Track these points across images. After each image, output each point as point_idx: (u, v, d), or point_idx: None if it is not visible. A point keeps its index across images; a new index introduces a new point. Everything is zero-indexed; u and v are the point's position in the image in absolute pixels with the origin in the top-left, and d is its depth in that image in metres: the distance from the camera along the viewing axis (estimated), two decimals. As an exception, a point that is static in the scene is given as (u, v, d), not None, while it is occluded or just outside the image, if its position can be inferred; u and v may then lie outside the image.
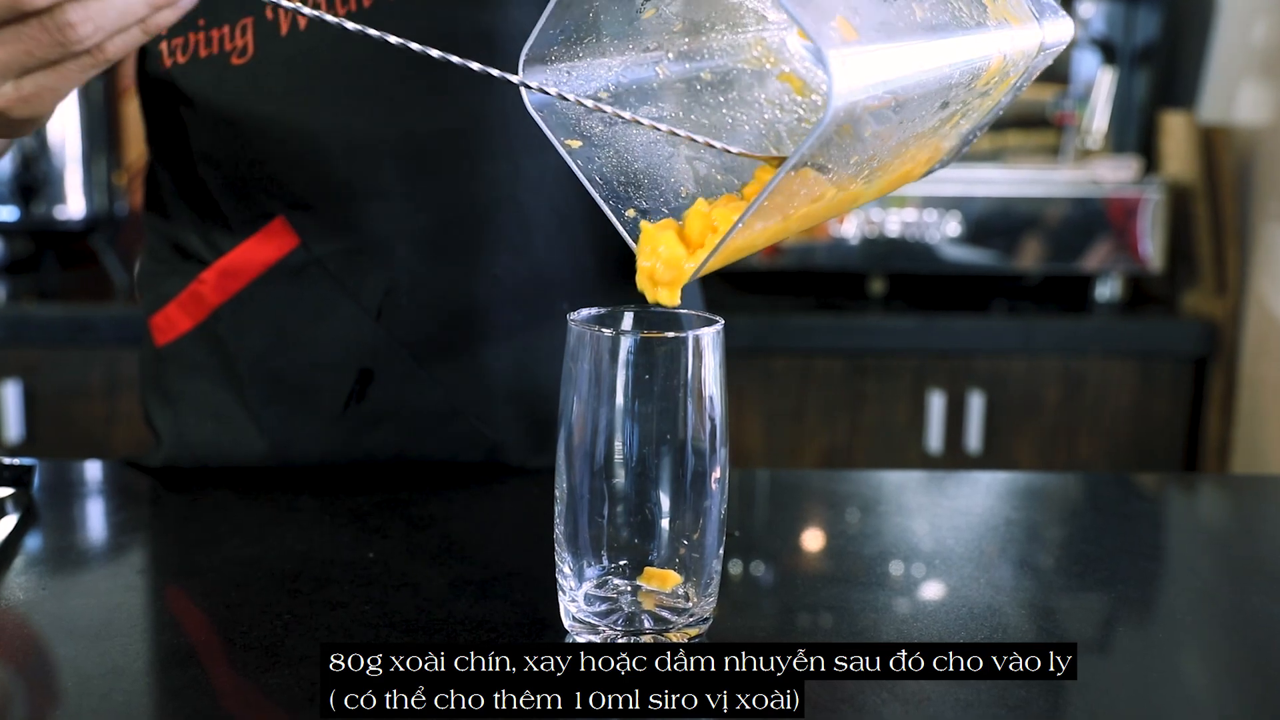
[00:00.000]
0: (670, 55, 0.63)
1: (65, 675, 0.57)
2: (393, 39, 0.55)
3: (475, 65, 0.55)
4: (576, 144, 0.60)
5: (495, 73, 0.55)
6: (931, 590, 0.69)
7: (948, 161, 0.67)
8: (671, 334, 0.57)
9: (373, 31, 0.55)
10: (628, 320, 0.62)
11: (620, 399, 0.57)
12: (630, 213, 0.60)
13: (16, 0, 0.51)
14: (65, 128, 1.96)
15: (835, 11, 0.49)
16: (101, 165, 2.01)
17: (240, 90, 0.79)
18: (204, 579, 0.68)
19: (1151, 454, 1.97)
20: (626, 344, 0.57)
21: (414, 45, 0.55)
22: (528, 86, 0.56)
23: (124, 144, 2.09)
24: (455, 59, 0.55)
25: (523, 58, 0.58)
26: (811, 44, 0.48)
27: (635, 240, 0.59)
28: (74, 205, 1.98)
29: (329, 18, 0.55)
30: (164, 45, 0.80)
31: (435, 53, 0.55)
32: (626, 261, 0.61)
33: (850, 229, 1.98)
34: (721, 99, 0.64)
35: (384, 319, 0.84)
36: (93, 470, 0.92)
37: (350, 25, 0.55)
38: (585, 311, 0.61)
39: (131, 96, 1.95)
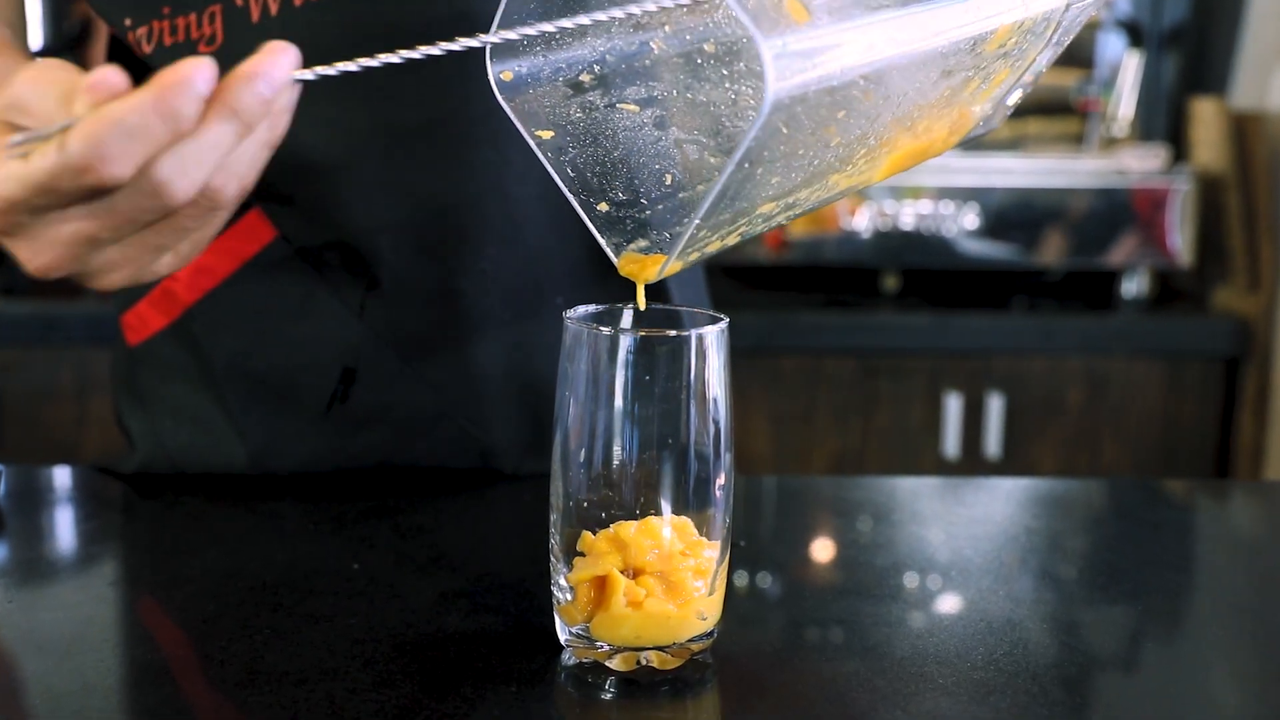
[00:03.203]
0: (666, 28, 0.63)
1: (34, 692, 0.57)
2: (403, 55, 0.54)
3: (439, 49, 0.54)
4: (548, 134, 0.60)
5: (458, 46, 0.54)
6: (947, 603, 0.69)
7: (992, 124, 0.67)
8: (673, 332, 0.57)
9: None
10: (627, 318, 0.62)
11: (619, 401, 0.57)
12: (603, 206, 0.60)
13: (94, 179, 0.47)
14: (33, 115, 1.95)
15: None
16: (71, 154, 2.00)
17: None
18: (180, 591, 0.68)
19: (1180, 459, 1.97)
20: (626, 343, 0.57)
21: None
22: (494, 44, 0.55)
23: (95, 132, 2.08)
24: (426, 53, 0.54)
25: (488, 46, 0.58)
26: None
27: (603, 235, 0.59)
28: (42, 196, 1.98)
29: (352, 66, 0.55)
30: (130, 36, 0.80)
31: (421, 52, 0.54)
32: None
33: (862, 221, 1.98)
34: (725, 72, 0.63)
35: (367, 315, 0.84)
36: (62, 476, 0.92)
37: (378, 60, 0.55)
38: (582, 308, 0.61)
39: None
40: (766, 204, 0.55)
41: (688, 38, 0.63)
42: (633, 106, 0.62)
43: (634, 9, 0.52)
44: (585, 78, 0.61)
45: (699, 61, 0.62)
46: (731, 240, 0.59)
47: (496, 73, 0.59)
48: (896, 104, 0.55)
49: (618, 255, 0.59)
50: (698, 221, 0.52)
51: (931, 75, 0.56)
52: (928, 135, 0.61)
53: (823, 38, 0.50)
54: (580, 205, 0.59)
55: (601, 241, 0.59)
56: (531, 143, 0.59)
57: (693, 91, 0.63)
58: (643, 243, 0.60)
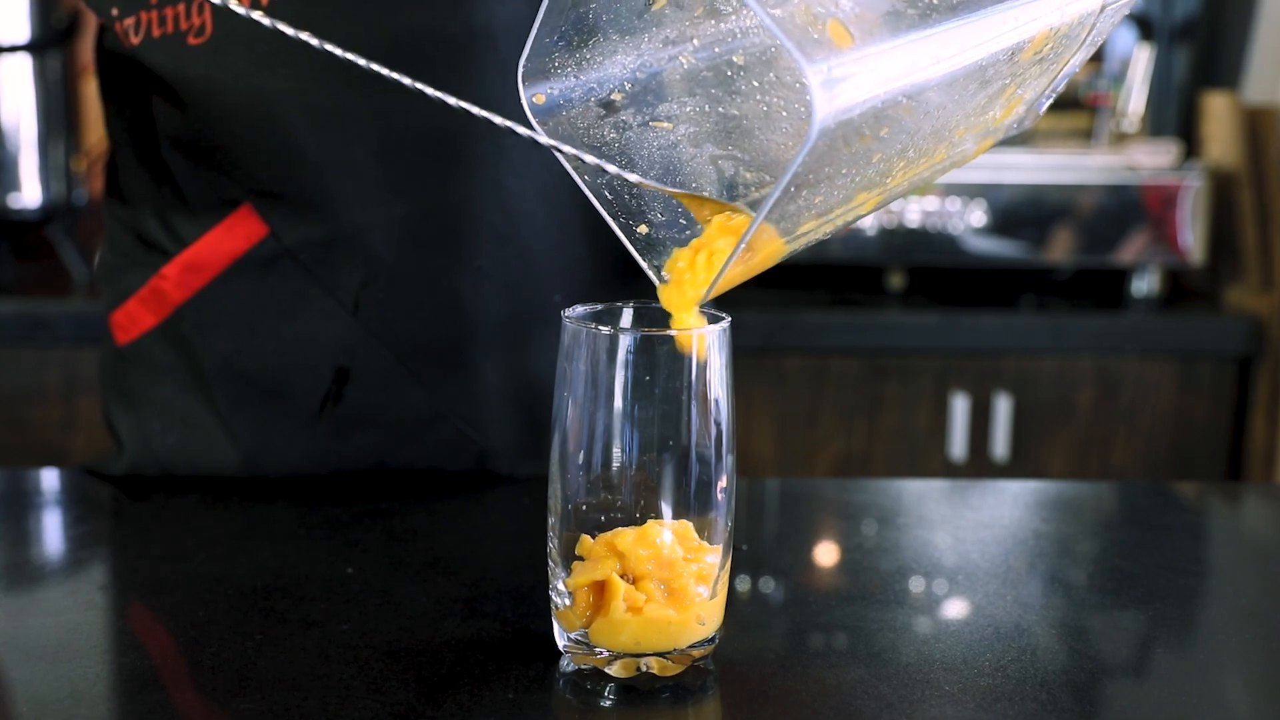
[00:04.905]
0: (695, 42, 0.63)
1: (20, 700, 0.57)
2: (408, 82, 0.55)
3: (497, 119, 0.55)
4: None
5: (522, 131, 0.55)
6: (954, 608, 0.69)
7: (1024, 125, 0.68)
8: (674, 331, 0.57)
9: (393, 75, 0.55)
10: (626, 317, 0.62)
11: (619, 402, 0.57)
12: (643, 229, 0.60)
13: None
14: (20, 109, 1.96)
15: (828, 15, 0.49)
16: (59, 150, 2.01)
17: (200, 71, 0.79)
18: (169, 596, 0.68)
19: (1192, 461, 1.97)
20: (625, 342, 0.57)
21: (436, 94, 0.55)
22: (560, 150, 0.56)
23: (83, 127, 2.09)
24: (480, 111, 0.55)
25: (521, 70, 0.58)
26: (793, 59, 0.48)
27: (644, 258, 0.59)
28: (29, 193, 1.98)
29: (340, 53, 0.55)
30: (118, 26, 0.80)
31: (453, 101, 0.55)
32: (623, 251, 0.61)
33: (867, 219, 1.98)
34: (756, 83, 0.63)
35: (361, 314, 0.84)
36: (49, 479, 0.92)
37: (365, 63, 0.55)
38: (580, 307, 0.61)
39: (91, 76, 1.95)
40: (808, 222, 0.56)
41: (716, 50, 0.63)
42: (665, 124, 0.62)
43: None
44: (617, 96, 0.61)
45: (728, 74, 0.63)
46: (772, 261, 0.59)
47: (529, 96, 0.59)
48: (935, 117, 0.56)
49: (659, 279, 0.60)
50: (741, 246, 0.52)
51: (970, 87, 0.56)
52: (963, 143, 0.61)
53: (866, 59, 0.50)
54: (620, 229, 0.60)
55: (644, 265, 0.60)
56: (568, 166, 0.59)
57: (724, 105, 0.63)
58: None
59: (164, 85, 0.81)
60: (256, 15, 0.56)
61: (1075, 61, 0.65)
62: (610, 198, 0.60)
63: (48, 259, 2.10)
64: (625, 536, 0.58)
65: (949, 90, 0.55)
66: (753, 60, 0.63)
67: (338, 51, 0.55)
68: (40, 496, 0.87)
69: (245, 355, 0.86)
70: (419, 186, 0.82)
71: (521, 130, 0.55)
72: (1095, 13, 0.63)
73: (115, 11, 0.80)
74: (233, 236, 0.84)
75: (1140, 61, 2.10)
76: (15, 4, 1.92)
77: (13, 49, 1.93)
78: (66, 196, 2.03)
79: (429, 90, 0.55)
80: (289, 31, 0.55)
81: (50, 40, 1.96)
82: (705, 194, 0.61)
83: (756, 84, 0.63)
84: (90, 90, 2.06)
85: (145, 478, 0.87)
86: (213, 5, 0.77)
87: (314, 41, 0.55)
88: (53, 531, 0.82)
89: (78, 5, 1.99)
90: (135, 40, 0.80)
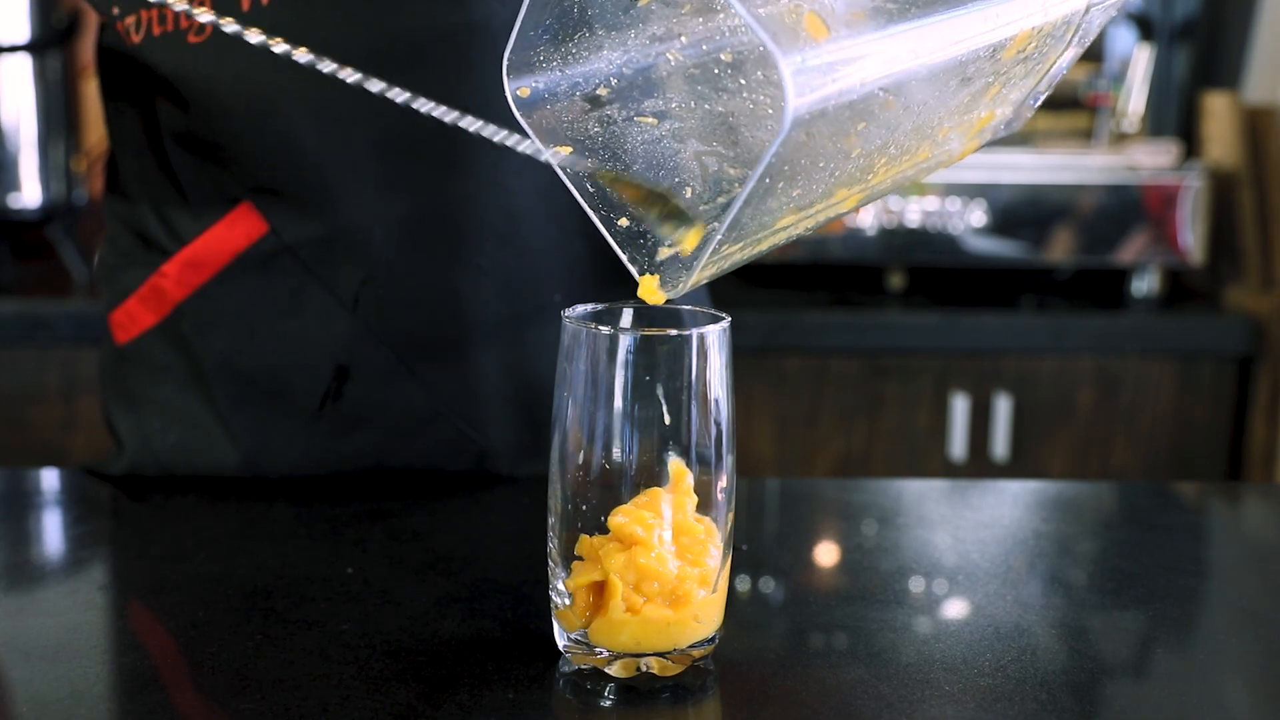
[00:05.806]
0: (682, 39, 0.63)
1: (20, 700, 0.57)
2: (415, 101, 0.56)
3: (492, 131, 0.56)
4: (567, 150, 0.60)
5: (511, 141, 0.56)
6: (954, 608, 0.69)
7: (1014, 127, 0.68)
8: (674, 331, 0.57)
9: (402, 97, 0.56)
10: (626, 317, 0.62)
11: (619, 402, 0.57)
12: (623, 222, 0.60)
13: None
14: (20, 109, 1.96)
15: (805, 9, 0.49)
16: (59, 150, 2.01)
17: (200, 69, 0.79)
18: (169, 596, 0.68)
19: (1192, 461, 1.97)
20: (625, 342, 0.57)
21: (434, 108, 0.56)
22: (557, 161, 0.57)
23: (83, 127, 2.09)
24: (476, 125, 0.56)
25: (505, 63, 0.58)
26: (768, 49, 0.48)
27: (624, 252, 0.59)
28: (29, 193, 1.98)
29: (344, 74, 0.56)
30: (119, 24, 0.80)
31: (455, 117, 0.56)
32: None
33: (867, 219, 1.98)
34: (744, 81, 0.63)
35: (360, 312, 0.84)
36: (49, 479, 0.92)
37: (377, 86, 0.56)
38: (581, 307, 0.61)
39: (91, 76, 1.95)
40: (787, 216, 0.56)
41: (704, 48, 0.63)
42: (651, 120, 0.62)
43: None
44: (602, 91, 0.61)
45: (716, 72, 0.63)
46: (750, 252, 0.59)
47: (514, 89, 0.59)
48: (916, 113, 0.56)
49: (640, 271, 0.60)
50: (719, 238, 0.52)
51: (951, 84, 0.56)
52: (947, 142, 0.61)
53: (842, 51, 0.50)
54: (601, 221, 0.60)
55: (624, 258, 0.60)
56: (551, 159, 0.59)
57: (710, 102, 0.63)
58: (665, 253, 0.60)
59: (165, 83, 0.81)
60: (249, 34, 0.57)
61: (1064, 61, 0.65)
62: (592, 190, 0.60)
63: (48, 259, 2.10)
64: (616, 559, 0.58)
65: (929, 86, 0.55)
66: (740, 58, 0.63)
67: (326, 67, 0.55)
68: (40, 496, 0.87)
69: (245, 354, 0.86)
70: (419, 184, 0.82)
71: (497, 135, 0.55)
72: (1080, 13, 0.63)
73: (116, 10, 0.80)
74: (233, 234, 0.84)
75: (1140, 61, 2.10)
76: (15, 4, 1.92)
77: (13, 49, 1.93)
78: (66, 196, 2.03)
79: (429, 106, 0.56)
80: (279, 49, 0.56)
81: (50, 40, 1.96)
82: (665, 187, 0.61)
83: (744, 82, 0.63)
84: (90, 90, 2.06)
85: (145, 478, 0.87)
86: (213, 2, 0.78)
87: (303, 58, 0.56)
88: (53, 531, 0.81)
89: (78, 5, 1.99)
90: (136, 39, 0.80)
